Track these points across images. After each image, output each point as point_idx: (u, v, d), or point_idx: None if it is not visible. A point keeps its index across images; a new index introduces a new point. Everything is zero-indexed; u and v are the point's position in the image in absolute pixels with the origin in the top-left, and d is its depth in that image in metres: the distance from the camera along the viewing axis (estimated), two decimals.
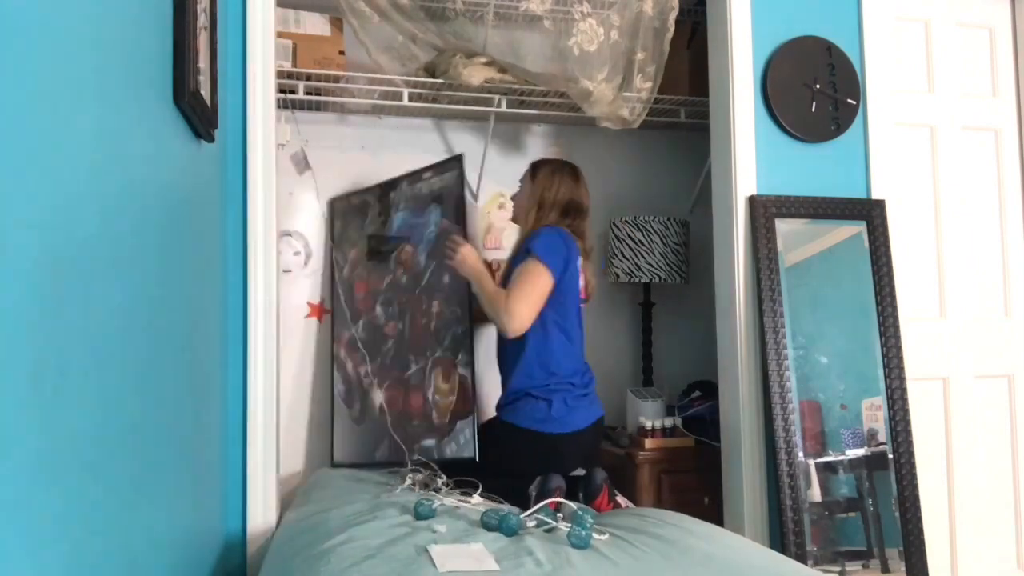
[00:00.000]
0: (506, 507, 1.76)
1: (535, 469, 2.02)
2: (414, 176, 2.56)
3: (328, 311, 2.65)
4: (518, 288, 2.08)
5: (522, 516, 1.63)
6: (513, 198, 2.48)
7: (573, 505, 1.74)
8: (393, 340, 2.46)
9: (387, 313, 2.50)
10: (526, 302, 2.07)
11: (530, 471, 2.02)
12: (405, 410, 2.39)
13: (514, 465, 2.08)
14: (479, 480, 1.92)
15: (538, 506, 1.70)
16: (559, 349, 2.15)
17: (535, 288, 2.09)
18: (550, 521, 1.62)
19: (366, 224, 2.62)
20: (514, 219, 2.47)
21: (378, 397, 2.46)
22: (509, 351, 2.20)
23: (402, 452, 2.27)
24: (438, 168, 2.50)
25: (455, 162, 2.45)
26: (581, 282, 2.25)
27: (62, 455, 0.79)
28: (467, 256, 2.18)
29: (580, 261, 2.23)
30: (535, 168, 2.35)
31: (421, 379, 2.39)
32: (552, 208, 2.26)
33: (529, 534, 1.57)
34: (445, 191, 2.46)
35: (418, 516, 1.65)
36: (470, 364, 2.25)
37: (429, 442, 2.32)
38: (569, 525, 1.54)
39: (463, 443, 2.28)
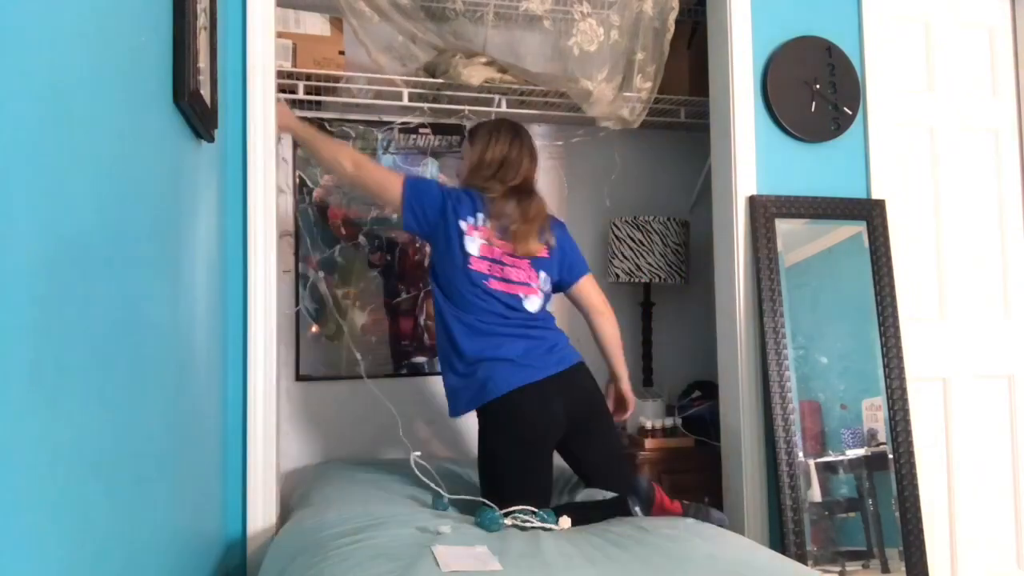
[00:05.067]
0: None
1: (527, 437, 1.87)
2: (409, 127, 2.70)
3: (290, 233, 2.62)
4: (379, 172, 2.12)
5: (499, 513, 1.65)
6: (457, 173, 2.30)
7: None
8: (380, 269, 2.67)
9: (372, 244, 2.68)
10: (369, 177, 2.08)
11: (522, 444, 1.86)
12: (393, 332, 2.66)
13: (507, 450, 1.87)
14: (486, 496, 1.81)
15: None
16: (459, 332, 1.95)
17: (383, 180, 2.07)
18: (531, 520, 1.65)
19: None
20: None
21: (359, 318, 2.65)
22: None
23: (388, 367, 2.53)
24: (437, 128, 2.71)
25: (457, 128, 2.67)
26: (479, 240, 1.97)
27: (61, 455, 0.79)
28: (280, 113, 2.11)
29: (480, 218, 1.99)
30: (472, 134, 2.17)
31: (412, 305, 2.69)
32: (486, 171, 2.06)
33: (535, 536, 1.58)
34: (443, 150, 2.71)
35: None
36: None
37: (420, 359, 2.68)
38: (542, 524, 1.64)
39: None
